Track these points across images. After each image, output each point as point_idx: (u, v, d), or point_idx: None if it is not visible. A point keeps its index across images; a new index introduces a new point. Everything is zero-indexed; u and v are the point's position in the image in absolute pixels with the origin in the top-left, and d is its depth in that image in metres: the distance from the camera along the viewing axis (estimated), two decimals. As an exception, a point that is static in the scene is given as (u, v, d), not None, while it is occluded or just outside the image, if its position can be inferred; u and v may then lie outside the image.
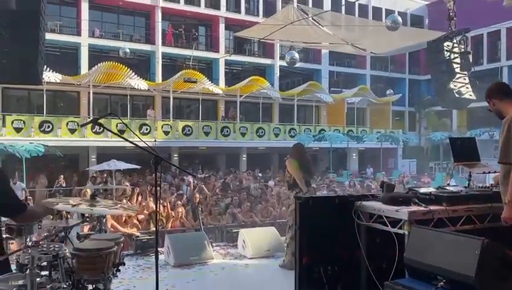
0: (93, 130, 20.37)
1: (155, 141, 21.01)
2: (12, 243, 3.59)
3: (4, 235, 2.92)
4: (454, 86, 10.31)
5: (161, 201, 10.12)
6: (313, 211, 3.80)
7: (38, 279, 2.20)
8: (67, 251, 2.54)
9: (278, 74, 28.89)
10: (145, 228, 8.88)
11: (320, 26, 12.32)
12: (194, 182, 13.87)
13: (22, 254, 2.40)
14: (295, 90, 26.72)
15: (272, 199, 12.06)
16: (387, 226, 3.49)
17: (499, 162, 3.39)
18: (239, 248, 7.06)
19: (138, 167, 18.16)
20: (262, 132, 25.45)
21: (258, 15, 27.47)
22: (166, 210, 9.59)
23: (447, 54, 10.36)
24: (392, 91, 31.07)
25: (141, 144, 3.08)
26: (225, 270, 6.09)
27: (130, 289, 5.16)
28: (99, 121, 3.03)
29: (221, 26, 27.19)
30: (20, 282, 2.30)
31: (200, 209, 9.43)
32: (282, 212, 11.11)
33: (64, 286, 2.34)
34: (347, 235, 3.76)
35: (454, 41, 10.38)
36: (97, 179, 14.69)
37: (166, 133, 22.58)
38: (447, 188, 4.11)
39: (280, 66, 28.20)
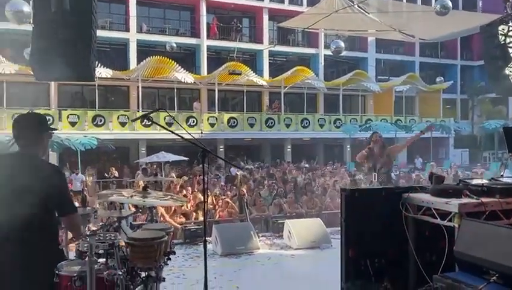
0: (143, 123, 21.08)
1: (201, 133, 21.45)
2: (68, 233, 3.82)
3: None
4: (510, 71, 9.74)
5: (208, 192, 10.37)
6: (359, 203, 3.77)
7: (96, 266, 2.35)
8: (121, 239, 2.69)
9: (323, 64, 28.50)
10: (193, 219, 9.14)
11: (366, 13, 12.02)
12: (240, 174, 14.04)
13: (81, 242, 2.57)
14: (340, 80, 26.29)
15: (317, 191, 12.00)
16: (437, 218, 3.40)
17: None
18: (284, 239, 7.12)
19: (186, 158, 18.66)
20: (307, 123, 25.30)
21: (301, 4, 27.19)
22: (212, 201, 9.80)
23: (501, 38, 9.76)
24: (442, 78, 29.84)
25: (188, 138, 3.18)
26: (271, 260, 6.17)
27: (179, 276, 5.35)
28: (149, 115, 3.17)
29: (265, 17, 27.15)
30: (80, 268, 2.46)
31: (245, 200, 9.55)
32: (328, 204, 11.05)
33: (120, 272, 2.47)
34: (394, 227, 3.70)
35: (510, 24, 9.78)
36: (147, 171, 15.20)
37: (212, 125, 22.97)
38: (501, 179, 3.94)
39: (325, 55, 27.82)
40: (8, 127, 18.35)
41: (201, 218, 9.07)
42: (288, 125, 24.87)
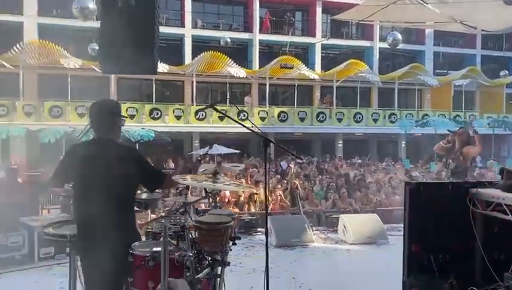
0: (197, 117, 21.60)
1: (251, 127, 21.60)
2: (140, 216, 4.01)
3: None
4: None
5: (260, 184, 10.47)
6: (423, 198, 3.68)
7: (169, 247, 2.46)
8: (190, 223, 2.79)
9: (378, 57, 27.75)
10: (246, 210, 9.26)
11: (424, 4, 11.61)
12: (293, 167, 14.06)
13: (155, 224, 2.70)
14: (396, 73, 25.47)
15: (372, 187, 11.76)
16: (508, 215, 3.26)
17: None
18: (339, 233, 7.07)
19: (237, 151, 18.94)
20: (359, 117, 24.79)
21: (356, -4, 26.60)
22: (265, 193, 9.87)
23: None
24: (507, 72, 28.09)
25: (252, 129, 3.25)
26: (326, 254, 6.16)
27: (236, 265, 5.46)
28: (215, 107, 3.28)
29: (318, 10, 26.81)
30: (153, 248, 2.59)
31: (298, 193, 9.55)
32: (383, 201, 10.82)
33: (190, 254, 2.58)
34: (460, 223, 3.58)
35: None
36: (201, 163, 15.53)
37: (262, 119, 23.08)
38: None
39: (380, 48, 27.08)
40: (72, 119, 19.48)
41: (253, 209, 9.19)
42: (340, 120, 24.48)
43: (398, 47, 16.79)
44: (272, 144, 3.37)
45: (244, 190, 6.94)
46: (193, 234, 2.81)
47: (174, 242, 2.66)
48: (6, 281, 4.90)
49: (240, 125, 3.35)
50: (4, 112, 19.36)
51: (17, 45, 18.81)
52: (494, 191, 3.47)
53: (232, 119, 3.31)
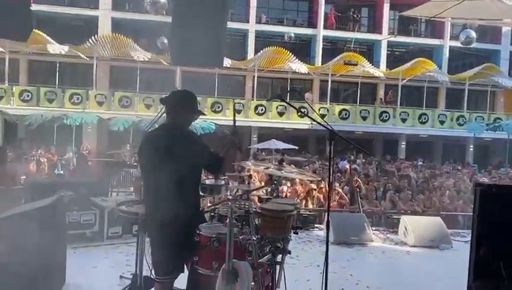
0: (256, 112, 21.81)
1: (311, 124, 21.48)
2: (204, 201, 4.16)
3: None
4: None
5: (320, 180, 10.40)
6: (494, 200, 3.50)
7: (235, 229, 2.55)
8: (255, 209, 2.87)
9: (447, 56, 26.45)
10: (303, 205, 9.25)
11: (503, 0, 10.89)
12: (348, 167, 13.85)
13: (221, 206, 2.80)
14: (467, 74, 24.15)
15: (436, 190, 11.31)
16: None
17: None
18: (400, 235, 6.88)
19: (295, 147, 18.92)
20: (425, 118, 23.81)
21: (427, -8, 25.46)
22: (324, 189, 9.80)
23: None
24: None
25: (319, 121, 3.26)
26: (385, 254, 6.03)
27: (293, 257, 5.49)
28: (283, 98, 3.34)
29: (386, 6, 26.00)
30: (218, 230, 2.69)
31: (358, 191, 9.40)
32: (447, 205, 10.38)
33: (254, 238, 2.65)
34: (535, 229, 3.37)
35: None
36: (259, 157, 15.73)
37: (322, 116, 22.68)
38: None
39: (450, 46, 25.79)
40: (140, 109, 20.42)
41: (311, 206, 9.16)
42: (404, 120, 23.66)
43: (471, 46, 15.95)
44: (337, 138, 3.36)
45: (302, 181, 6.93)
46: (256, 220, 2.88)
47: (239, 226, 2.74)
48: (77, 255, 5.26)
49: (298, 121, 3.38)
50: (78, 100, 20.70)
51: (92, 38, 19.99)
52: None
53: (300, 111, 3.32)
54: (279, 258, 3.01)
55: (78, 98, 20.74)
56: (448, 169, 17.38)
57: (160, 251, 2.86)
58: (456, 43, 20.76)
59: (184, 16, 5.16)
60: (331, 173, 3.34)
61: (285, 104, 22.16)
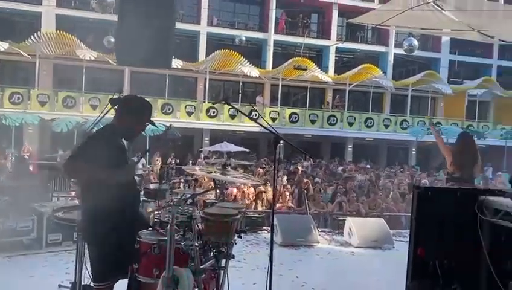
0: (208, 114, 21.67)
1: (262, 126, 21.64)
2: (148, 206, 4.06)
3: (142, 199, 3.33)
4: None
5: (268, 183, 10.49)
6: (431, 202, 3.66)
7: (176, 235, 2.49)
8: (198, 214, 2.83)
9: (392, 62, 27.60)
10: (253, 208, 9.29)
11: (443, 11, 11.51)
12: (300, 169, 14.07)
13: (163, 212, 2.73)
14: (410, 80, 25.32)
15: (380, 192, 11.73)
16: (516, 224, 3.23)
17: None
18: (345, 236, 7.06)
19: (247, 150, 18.99)
20: (371, 122, 24.68)
21: (373, 1, 26.48)
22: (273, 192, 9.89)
23: None
24: (522, 84, 27.78)
25: (264, 125, 3.27)
26: (331, 255, 6.16)
27: (240, 261, 5.48)
28: (228, 102, 3.32)
29: (334, 13, 26.75)
30: (159, 237, 2.63)
31: (306, 194, 9.55)
32: (391, 206, 10.78)
33: (196, 244, 2.61)
34: (467, 230, 3.56)
35: None
36: (210, 160, 15.63)
37: (273, 119, 23.09)
38: None
39: (395, 54, 26.92)
40: (85, 110, 19.68)
41: (260, 208, 9.22)
42: (351, 124, 24.41)
43: (413, 53, 16.71)
44: (282, 142, 3.39)
45: (252, 184, 6.92)
46: (200, 226, 2.84)
47: (181, 232, 2.69)
48: (14, 264, 4.98)
49: (249, 124, 3.38)
50: (19, 100, 19.63)
51: (35, 35, 19.05)
52: (503, 199, 3.45)
53: (244, 114, 3.33)
54: (223, 263, 2.98)
55: (18, 98, 19.65)
56: (392, 171, 18.09)
57: (96, 257, 2.76)
58: (400, 51, 21.70)
59: (130, 15, 5.01)
60: (275, 176, 3.37)
61: (237, 107, 22.25)
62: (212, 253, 2.87)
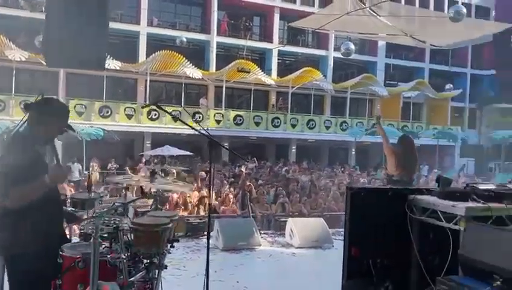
0: (149, 117, 21.13)
1: (207, 129, 21.44)
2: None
3: (69, 209, 3.13)
4: (522, 81, 9.68)
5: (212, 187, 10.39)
6: (364, 203, 3.75)
7: (100, 248, 2.35)
8: (126, 224, 2.69)
9: (332, 66, 28.43)
10: (195, 213, 9.15)
11: (378, 17, 11.98)
12: (244, 171, 14.06)
13: (86, 224, 2.57)
14: (349, 83, 26.21)
15: (321, 192, 12.00)
16: (442, 221, 3.38)
17: None
18: (286, 237, 7.11)
19: (190, 153, 18.71)
20: (313, 124, 25.27)
21: (313, 5, 27.11)
22: (216, 196, 9.81)
23: (514, 46, 9.73)
24: (451, 86, 29.65)
25: (198, 129, 3.18)
26: (272, 257, 6.17)
27: (180, 268, 5.35)
28: (158, 104, 3.17)
29: (276, 17, 27.11)
30: (84, 250, 2.47)
31: (248, 196, 9.55)
32: (332, 205, 11.05)
33: (123, 256, 2.48)
34: (398, 228, 3.68)
35: (524, 33, 9.73)
36: (151, 163, 15.25)
37: (218, 122, 23.00)
38: (509, 185, 3.91)
39: (334, 57, 27.72)
40: (16, 113, 18.48)
41: (203, 213, 9.09)
42: (294, 126, 24.84)
43: (351, 57, 17.27)
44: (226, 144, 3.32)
45: (182, 191, 6.76)
46: (129, 236, 2.71)
47: (107, 244, 2.54)
48: None
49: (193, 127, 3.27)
50: None
51: (-44, 33, 17.68)
52: (430, 198, 3.60)
53: (172, 116, 3.22)
54: (156, 273, 2.86)
55: None
56: (333, 171, 18.61)
57: (18, 275, 2.55)
58: (340, 54, 22.42)
59: (59, 13, 4.73)
60: (212, 180, 3.30)
61: (179, 110, 21.91)
62: (143, 264, 2.74)
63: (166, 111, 3.17)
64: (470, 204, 3.27)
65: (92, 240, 2.27)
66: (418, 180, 13.46)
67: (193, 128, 3.08)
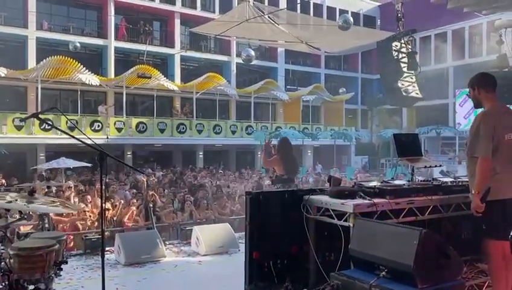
0: (42, 127, 19.51)
1: (107, 138, 20.42)
2: None
3: None
4: (402, 84, 10.71)
5: (112, 200, 9.90)
6: (263, 206, 3.83)
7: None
8: (4, 250, 2.43)
9: (235, 71, 28.85)
10: (96, 228, 8.64)
11: (276, 24, 12.43)
12: (145, 180, 13.67)
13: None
14: (252, 88, 26.80)
15: (229, 196, 12.06)
16: (334, 219, 3.59)
17: (467, 155, 3.60)
18: (192, 245, 7.02)
19: (89, 164, 17.60)
20: (219, 129, 25.37)
21: (214, 11, 27.30)
22: (117, 209, 9.37)
23: (395, 53, 10.74)
24: (345, 89, 31.84)
25: (87, 141, 3.01)
26: (177, 268, 6.04)
27: (78, 289, 5.02)
28: (40, 116, 2.93)
29: (177, 22, 26.80)
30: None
31: (151, 206, 9.25)
32: (239, 209, 11.14)
33: (0, 286, 2.24)
34: (296, 229, 3.83)
35: (402, 41, 10.77)
36: (44, 177, 14.07)
37: (119, 130, 22.01)
38: (391, 182, 4.28)
39: (237, 63, 28.16)
40: None
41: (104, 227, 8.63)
42: (200, 131, 24.71)
43: (252, 63, 17.72)
44: (129, 153, 3.17)
45: (72, 211, 6.33)
46: (8, 262, 2.46)
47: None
48: None
49: (93, 136, 3.07)
50: None
51: None
52: (323, 197, 3.79)
53: (57, 128, 3.00)
54: (43, 300, 2.63)
55: None
56: (241, 175, 18.83)
57: None
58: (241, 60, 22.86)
59: None
60: (104, 194, 3.13)
61: (76, 119, 20.59)
62: (27, 292, 2.51)
63: (45, 121, 2.93)
64: (358, 201, 3.51)
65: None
66: (318, 179, 14.18)
67: (79, 140, 2.89)
